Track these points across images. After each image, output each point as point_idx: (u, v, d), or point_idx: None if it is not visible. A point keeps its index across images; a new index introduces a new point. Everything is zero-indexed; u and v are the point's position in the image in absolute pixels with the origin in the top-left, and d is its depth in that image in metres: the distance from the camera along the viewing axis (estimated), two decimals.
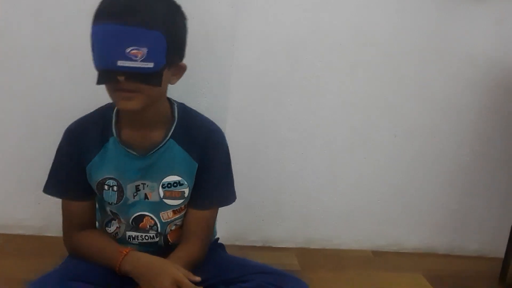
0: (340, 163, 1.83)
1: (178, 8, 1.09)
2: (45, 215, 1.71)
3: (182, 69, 1.13)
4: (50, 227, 1.72)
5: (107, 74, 1.00)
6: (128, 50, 0.96)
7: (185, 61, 1.13)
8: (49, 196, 1.65)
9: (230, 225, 1.76)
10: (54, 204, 1.67)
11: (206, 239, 1.24)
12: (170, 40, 1.01)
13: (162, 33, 0.99)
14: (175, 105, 1.19)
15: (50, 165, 1.20)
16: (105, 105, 1.19)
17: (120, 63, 0.96)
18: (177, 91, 1.42)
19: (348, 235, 1.90)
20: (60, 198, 1.19)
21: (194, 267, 1.16)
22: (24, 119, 1.63)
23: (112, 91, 1.03)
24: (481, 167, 1.90)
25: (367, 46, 1.71)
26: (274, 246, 1.86)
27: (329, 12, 1.66)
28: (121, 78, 0.98)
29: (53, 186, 1.19)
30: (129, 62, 0.96)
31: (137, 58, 0.96)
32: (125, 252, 1.11)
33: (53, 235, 1.72)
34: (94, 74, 1.55)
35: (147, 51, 0.97)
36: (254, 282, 1.12)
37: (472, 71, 1.79)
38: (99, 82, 1.02)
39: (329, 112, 1.76)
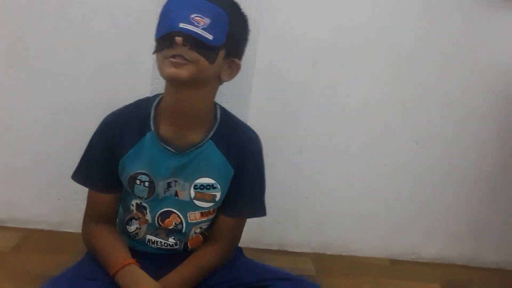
0: (359, 169, 1.81)
1: (245, 16, 1.12)
2: (63, 211, 1.72)
3: (237, 66, 1.11)
4: (68, 223, 1.74)
5: (166, 38, 0.98)
6: (192, 15, 0.98)
7: None
8: (68, 192, 1.70)
9: (247, 227, 1.73)
10: (73, 201, 1.71)
11: (234, 243, 1.25)
12: (232, 25, 1.02)
13: (226, 14, 1.01)
14: (218, 106, 1.18)
15: (82, 153, 1.20)
16: (143, 99, 1.18)
17: (182, 25, 0.97)
18: None
19: (365, 242, 1.89)
20: (87, 187, 1.18)
21: (219, 266, 1.19)
22: (45, 116, 1.64)
23: (163, 59, 1.00)
24: (503, 178, 1.87)
25: (390, 51, 1.70)
26: (290, 250, 1.86)
27: (353, 16, 1.65)
28: (179, 39, 0.96)
29: (81, 174, 1.18)
30: (191, 26, 0.97)
31: (199, 24, 0.97)
32: (123, 264, 1.08)
33: (71, 231, 1.74)
34: (115, 72, 1.60)
35: (210, 22, 0.98)
36: None
37: (497, 80, 1.76)
38: (156, 49, 1.02)
39: (349, 117, 1.75)
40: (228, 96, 1.46)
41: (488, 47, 1.73)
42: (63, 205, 1.72)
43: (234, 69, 1.11)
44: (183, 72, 0.99)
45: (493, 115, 1.80)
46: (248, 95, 1.52)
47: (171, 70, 0.99)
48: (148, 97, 1.18)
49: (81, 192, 1.67)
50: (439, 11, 1.68)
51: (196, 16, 0.98)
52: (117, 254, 1.12)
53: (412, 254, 1.92)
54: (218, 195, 1.17)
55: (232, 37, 1.04)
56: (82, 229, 1.20)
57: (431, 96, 1.76)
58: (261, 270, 1.20)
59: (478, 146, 1.83)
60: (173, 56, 0.98)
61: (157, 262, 1.18)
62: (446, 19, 1.69)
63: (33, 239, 1.67)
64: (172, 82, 1.05)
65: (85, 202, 1.67)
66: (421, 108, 1.77)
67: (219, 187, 1.16)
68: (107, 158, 1.14)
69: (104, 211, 1.19)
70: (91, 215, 1.19)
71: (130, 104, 1.18)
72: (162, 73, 1.01)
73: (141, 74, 1.51)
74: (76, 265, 1.14)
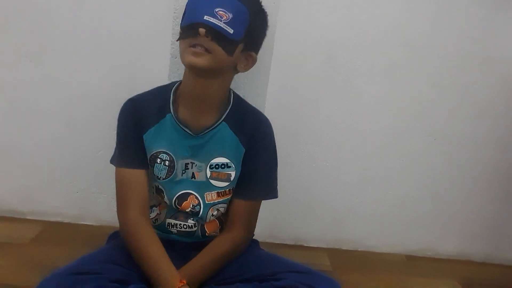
0: (375, 164, 1.80)
1: (264, 12, 1.20)
2: (82, 204, 1.75)
3: (252, 59, 1.19)
4: (86, 216, 1.76)
5: (191, 27, 1.06)
6: (216, 9, 1.06)
7: None
8: (87, 185, 1.72)
9: (262, 222, 1.73)
10: (91, 194, 1.73)
11: (249, 227, 1.27)
12: (251, 21, 1.11)
13: (248, 10, 1.09)
14: (232, 92, 1.25)
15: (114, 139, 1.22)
16: (164, 85, 1.25)
17: (206, 17, 1.05)
18: None
19: (381, 238, 1.88)
20: (123, 166, 1.18)
21: (236, 253, 1.21)
22: (63, 109, 1.66)
23: (186, 47, 1.08)
24: None
25: (407, 47, 1.68)
26: (305, 245, 1.86)
27: (370, 11, 1.63)
28: (202, 31, 1.04)
29: (117, 155, 1.21)
30: (214, 19, 1.05)
31: (222, 18, 1.05)
32: (179, 285, 1.08)
33: (89, 223, 1.76)
34: (132, 65, 1.60)
35: (232, 17, 1.06)
36: (287, 281, 1.11)
37: None
38: (180, 37, 1.10)
39: (365, 112, 1.74)
40: (244, 89, 1.46)
41: (505, 44, 1.70)
42: (81, 198, 1.74)
43: (250, 61, 1.19)
44: (202, 61, 1.07)
45: (510, 112, 1.77)
46: (264, 89, 1.52)
47: (191, 58, 1.07)
48: (167, 84, 1.26)
49: (98, 185, 1.72)
50: (457, 7, 1.66)
51: (220, 10, 1.06)
52: (170, 274, 1.10)
53: (429, 250, 1.91)
54: (233, 174, 1.22)
55: (250, 32, 1.11)
56: (121, 217, 1.18)
57: (447, 93, 1.74)
58: (275, 262, 1.22)
59: (495, 143, 1.80)
60: (194, 46, 1.06)
61: (177, 250, 1.20)
62: (464, 15, 1.67)
63: (52, 231, 1.70)
64: (191, 69, 1.12)
65: (102, 195, 1.72)
66: (437, 104, 1.75)
67: (233, 166, 1.22)
68: (135, 131, 1.19)
69: (137, 191, 1.18)
70: (127, 199, 1.17)
71: (150, 90, 1.25)
72: (183, 60, 1.10)
73: (158, 66, 1.51)
74: (70, 264, 1.11)
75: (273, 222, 1.80)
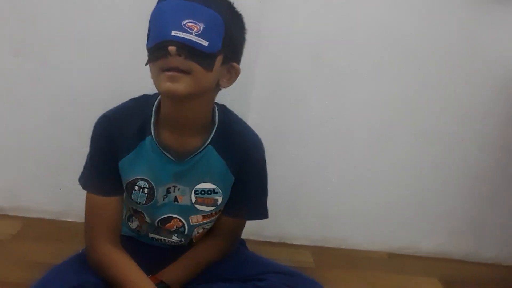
0: (360, 163, 1.81)
1: (240, 15, 1.05)
2: (65, 200, 1.73)
3: (236, 71, 1.05)
4: (69, 213, 1.74)
5: (158, 48, 0.92)
6: (184, 22, 0.91)
7: None
8: (70, 182, 1.69)
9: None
10: (75, 190, 1.69)
11: (231, 242, 1.24)
12: (228, 28, 0.95)
13: (221, 16, 0.94)
14: (216, 108, 1.12)
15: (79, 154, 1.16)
16: (143, 98, 1.12)
17: (174, 33, 0.90)
18: None
19: (364, 236, 1.89)
20: (94, 193, 1.08)
21: (220, 259, 1.19)
22: (49, 106, 1.65)
23: (158, 71, 0.94)
24: (503, 175, 1.86)
25: (393, 46, 1.68)
26: (289, 243, 1.86)
27: (356, 10, 1.64)
28: (172, 49, 0.90)
29: (88, 178, 1.10)
30: (184, 33, 0.90)
31: (192, 31, 0.91)
32: None
33: (72, 220, 1.74)
34: (120, 63, 1.59)
35: (204, 27, 0.92)
36: (270, 281, 1.11)
37: (501, 77, 1.75)
38: (149, 60, 0.96)
39: (351, 111, 1.75)
40: (229, 89, 1.46)
41: (492, 43, 1.72)
42: (65, 195, 1.73)
43: (233, 74, 1.06)
44: (180, 87, 0.93)
45: (495, 112, 1.79)
46: (250, 88, 1.52)
47: (168, 86, 0.93)
48: (147, 96, 1.12)
49: None
50: (444, 6, 1.67)
51: (188, 22, 0.91)
52: None
53: (410, 248, 1.93)
54: (220, 199, 1.15)
55: (229, 41, 0.97)
56: (90, 252, 1.09)
57: (433, 92, 1.75)
58: (259, 263, 1.21)
59: (479, 142, 1.82)
60: (168, 70, 0.93)
61: (160, 252, 1.18)
62: (451, 14, 1.68)
63: (34, 228, 1.68)
64: (170, 97, 1.01)
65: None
66: (423, 104, 1.76)
67: (220, 191, 1.13)
68: (111, 156, 1.07)
69: (111, 219, 1.09)
70: (99, 229, 1.07)
71: (128, 103, 1.11)
72: (159, 88, 0.96)
73: (146, 66, 1.52)
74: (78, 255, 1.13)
75: (258, 220, 1.80)
